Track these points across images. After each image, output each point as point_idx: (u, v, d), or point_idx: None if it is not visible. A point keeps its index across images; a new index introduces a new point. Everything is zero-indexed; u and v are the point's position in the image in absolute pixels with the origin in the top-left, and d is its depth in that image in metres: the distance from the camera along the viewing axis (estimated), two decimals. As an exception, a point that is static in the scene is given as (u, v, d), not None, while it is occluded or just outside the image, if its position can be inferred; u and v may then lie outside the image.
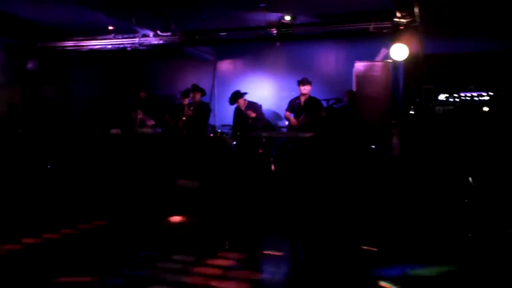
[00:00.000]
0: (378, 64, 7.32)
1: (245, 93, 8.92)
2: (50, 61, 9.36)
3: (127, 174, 8.18)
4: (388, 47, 7.68)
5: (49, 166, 8.94)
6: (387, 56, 7.50)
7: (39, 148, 8.93)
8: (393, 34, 7.20)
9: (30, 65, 8.95)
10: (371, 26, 7.31)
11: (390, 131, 7.26)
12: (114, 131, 8.98)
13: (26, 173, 8.40)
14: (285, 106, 8.78)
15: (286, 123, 8.95)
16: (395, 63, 7.36)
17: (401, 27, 6.93)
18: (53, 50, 9.17)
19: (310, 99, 8.39)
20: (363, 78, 7.35)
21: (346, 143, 7.56)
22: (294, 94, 8.72)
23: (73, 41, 9.02)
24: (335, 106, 8.14)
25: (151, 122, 9.27)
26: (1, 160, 8.37)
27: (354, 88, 8.90)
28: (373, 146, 7.30)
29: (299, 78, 8.55)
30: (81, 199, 7.17)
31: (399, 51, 7.04)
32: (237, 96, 8.83)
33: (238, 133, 8.55)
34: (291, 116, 8.58)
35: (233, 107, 9.18)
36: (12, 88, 9.79)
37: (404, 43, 7.06)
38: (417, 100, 7.66)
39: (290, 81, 9.60)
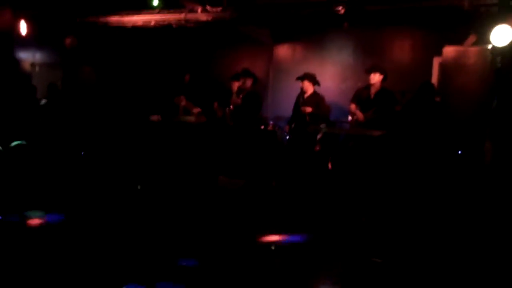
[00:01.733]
0: (473, 49, 5.84)
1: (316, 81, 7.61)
2: (90, 38, 8.51)
3: (165, 166, 7.29)
4: (478, 33, 6.21)
5: (82, 153, 8.15)
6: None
7: (74, 133, 8.13)
8: (494, 14, 5.64)
9: (67, 42, 8.13)
10: (466, 2, 5.77)
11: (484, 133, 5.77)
12: (154, 117, 8.07)
13: (60, 161, 7.59)
14: (348, 97, 7.45)
15: (350, 118, 7.56)
16: (495, 50, 5.80)
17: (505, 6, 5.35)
18: (93, 26, 8.30)
19: (382, 91, 6.93)
20: (452, 66, 5.97)
21: (426, 147, 6.18)
22: (361, 85, 7.36)
23: (114, 17, 8.11)
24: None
25: (196, 110, 8.22)
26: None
27: (434, 80, 7.69)
28: (460, 152, 5.82)
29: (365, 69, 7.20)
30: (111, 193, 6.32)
31: (503, 34, 5.50)
32: (310, 77, 7.49)
33: (292, 126, 7.32)
34: (357, 109, 7.16)
35: (290, 97, 7.94)
36: (53, 68, 9.16)
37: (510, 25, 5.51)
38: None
39: (356, 70, 8.43)
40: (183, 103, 8.23)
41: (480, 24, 6.18)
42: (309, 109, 7.37)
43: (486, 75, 5.77)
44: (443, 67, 6.13)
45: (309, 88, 7.52)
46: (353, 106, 7.15)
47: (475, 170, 5.76)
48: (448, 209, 5.48)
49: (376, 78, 6.90)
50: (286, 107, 8.13)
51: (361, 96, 7.11)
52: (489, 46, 5.84)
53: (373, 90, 6.98)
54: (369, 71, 6.95)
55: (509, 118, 5.79)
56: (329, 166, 7.31)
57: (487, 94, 5.78)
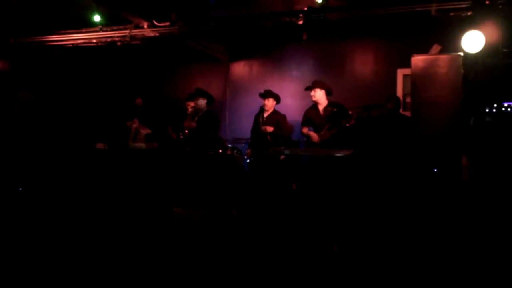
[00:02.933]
0: (444, 58, 5.37)
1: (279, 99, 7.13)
2: (27, 60, 7.68)
3: (113, 200, 6.48)
4: (445, 41, 5.84)
5: (20, 189, 7.24)
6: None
7: (10, 166, 7.23)
8: (464, 19, 5.22)
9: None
10: (433, 8, 5.32)
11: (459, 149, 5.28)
12: (100, 145, 7.28)
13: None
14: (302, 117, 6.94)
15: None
16: (467, 57, 5.36)
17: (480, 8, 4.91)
18: (29, 46, 7.47)
19: (331, 106, 6.52)
20: (422, 77, 5.45)
21: (397, 165, 5.71)
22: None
23: (52, 36, 7.34)
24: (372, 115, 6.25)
25: (146, 131, 7.51)
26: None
27: (399, 93, 7.45)
28: (435, 169, 5.32)
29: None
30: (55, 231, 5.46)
31: (474, 40, 5.06)
32: (274, 95, 7.06)
33: (246, 151, 6.77)
34: (311, 131, 6.70)
35: (249, 117, 7.39)
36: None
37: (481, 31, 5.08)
38: (489, 108, 5.69)
39: None
40: (135, 125, 7.53)
41: (448, 31, 5.77)
42: (270, 129, 6.83)
43: (459, 84, 5.30)
44: (412, 78, 5.64)
45: (271, 106, 7.00)
46: (304, 130, 6.74)
47: (452, 189, 5.25)
48: (425, 231, 4.93)
49: (318, 94, 6.53)
50: (245, 128, 7.60)
51: (311, 116, 6.70)
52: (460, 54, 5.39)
53: (320, 107, 6.59)
54: (309, 88, 6.62)
55: (485, 131, 5.35)
56: (293, 187, 6.84)
57: (460, 105, 5.30)
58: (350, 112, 6.27)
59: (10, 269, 4.22)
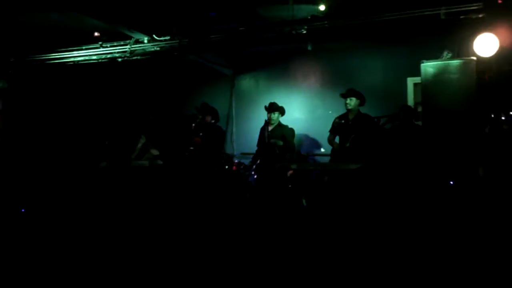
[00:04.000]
0: (456, 63, 5.09)
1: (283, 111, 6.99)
2: (27, 79, 7.60)
3: (115, 220, 6.26)
4: (453, 47, 5.68)
5: (23, 210, 7.09)
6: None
7: (15, 187, 7.11)
8: (475, 23, 4.97)
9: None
10: (442, 11, 5.09)
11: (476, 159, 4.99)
12: (103, 164, 7.10)
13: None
14: (321, 128, 6.96)
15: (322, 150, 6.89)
16: (480, 62, 5.09)
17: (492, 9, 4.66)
18: (29, 65, 7.37)
19: (361, 117, 6.44)
20: (433, 84, 5.19)
21: (412, 179, 5.46)
22: (332, 113, 6.67)
23: (52, 54, 7.22)
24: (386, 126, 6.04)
25: (155, 152, 7.31)
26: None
27: (410, 103, 7.33)
28: (451, 182, 5.03)
29: (338, 94, 6.67)
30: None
31: (488, 44, 4.81)
32: (277, 108, 6.95)
33: (255, 165, 6.57)
34: (336, 140, 6.68)
35: (256, 131, 7.28)
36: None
37: (494, 33, 4.83)
38: (506, 115, 5.40)
39: (326, 98, 7.80)
40: (142, 141, 7.37)
41: (459, 35, 5.52)
42: (280, 142, 6.65)
43: (473, 91, 5.02)
44: (422, 85, 5.35)
45: (276, 119, 6.88)
46: (330, 137, 6.74)
47: (470, 203, 4.94)
48: (442, 246, 4.63)
49: (352, 103, 6.43)
50: (252, 142, 7.43)
51: (338, 125, 6.61)
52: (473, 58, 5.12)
53: (350, 116, 6.49)
54: (345, 95, 6.48)
55: (502, 139, 5.06)
56: (304, 204, 6.56)
57: (476, 113, 5.01)
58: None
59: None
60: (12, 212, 6.94)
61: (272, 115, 6.80)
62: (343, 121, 6.53)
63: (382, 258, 4.67)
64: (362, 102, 6.50)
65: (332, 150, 6.65)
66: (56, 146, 8.00)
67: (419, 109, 6.24)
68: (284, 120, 7.11)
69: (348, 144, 6.27)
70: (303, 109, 8.35)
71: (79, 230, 6.05)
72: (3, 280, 4.35)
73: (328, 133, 6.80)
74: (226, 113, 8.90)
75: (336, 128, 6.64)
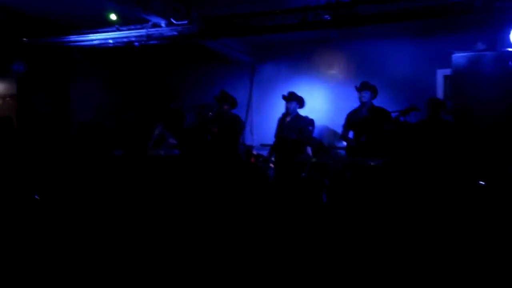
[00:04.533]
0: (490, 54, 4.81)
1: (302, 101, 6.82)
2: (45, 62, 7.53)
3: (128, 211, 6.19)
4: (487, 37, 5.50)
5: (36, 196, 7.06)
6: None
7: (29, 173, 7.08)
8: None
9: (15, 68, 7.14)
10: (478, -2, 4.78)
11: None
12: (118, 152, 7.04)
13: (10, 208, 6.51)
14: (342, 120, 6.75)
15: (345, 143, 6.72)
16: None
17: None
18: (46, 47, 7.32)
19: (375, 111, 6.32)
20: (465, 77, 4.92)
21: (440, 178, 5.20)
22: (355, 105, 6.48)
23: (66, 36, 7.17)
24: (407, 119, 5.81)
25: (172, 141, 7.19)
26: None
27: (440, 96, 6.99)
28: (483, 183, 4.77)
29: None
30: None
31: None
32: (295, 97, 6.77)
33: (272, 158, 6.39)
34: (350, 135, 6.55)
35: (276, 121, 7.04)
36: (6, 99, 8.09)
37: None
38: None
39: (350, 88, 7.44)
40: (157, 131, 7.25)
41: (495, 24, 5.22)
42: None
43: (509, 84, 4.74)
44: (453, 78, 5.10)
45: (294, 110, 6.66)
46: (344, 133, 6.64)
47: (503, 206, 4.68)
48: (470, 250, 4.40)
49: (367, 96, 6.34)
50: (273, 133, 7.18)
51: (352, 119, 6.51)
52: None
53: (364, 110, 6.39)
54: (361, 88, 6.38)
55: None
56: (324, 199, 6.42)
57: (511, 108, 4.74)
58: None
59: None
60: (25, 198, 6.94)
61: (289, 105, 6.61)
62: (356, 115, 6.44)
63: (405, 260, 4.48)
64: (375, 95, 6.41)
65: (348, 146, 6.56)
66: (70, 132, 7.98)
67: (449, 103, 6.00)
68: (306, 111, 6.92)
69: (363, 139, 6.15)
70: (326, 100, 8.13)
71: (91, 222, 6.00)
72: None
73: (341, 129, 6.67)
74: (246, 102, 8.75)
75: (350, 123, 6.55)
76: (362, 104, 6.38)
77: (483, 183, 4.76)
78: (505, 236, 4.51)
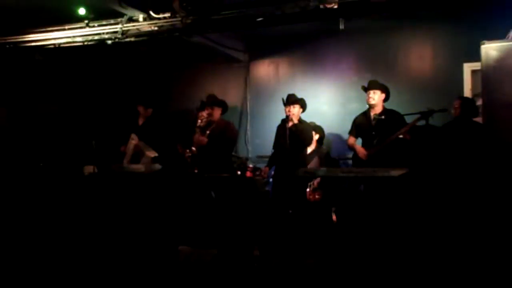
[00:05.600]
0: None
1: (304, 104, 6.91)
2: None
3: (102, 236, 6.28)
4: None
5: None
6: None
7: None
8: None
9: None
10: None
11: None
12: (89, 168, 7.09)
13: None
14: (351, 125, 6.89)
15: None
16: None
17: None
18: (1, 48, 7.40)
19: (386, 114, 6.43)
20: (496, 70, 5.02)
21: (469, 187, 5.32)
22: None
23: (29, 35, 7.22)
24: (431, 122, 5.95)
25: (152, 153, 7.24)
26: None
27: (467, 93, 7.14)
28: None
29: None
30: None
31: None
32: (297, 100, 6.84)
33: (271, 173, 6.55)
34: (357, 143, 6.69)
35: (275, 130, 7.17)
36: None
37: None
38: None
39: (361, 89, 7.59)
40: (134, 142, 7.29)
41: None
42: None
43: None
44: (483, 72, 5.19)
45: (297, 114, 6.77)
46: (351, 140, 6.74)
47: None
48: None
49: (376, 97, 6.44)
50: (271, 143, 7.27)
51: (360, 125, 6.65)
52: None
53: (373, 114, 6.49)
54: (367, 88, 6.51)
55: None
56: (334, 219, 6.54)
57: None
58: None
59: None
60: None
61: (292, 109, 6.69)
62: (365, 119, 6.55)
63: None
64: (387, 97, 6.50)
65: (354, 155, 6.66)
66: (32, 145, 8.04)
67: (479, 101, 6.11)
68: (310, 116, 7.06)
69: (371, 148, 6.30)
70: (333, 103, 8.31)
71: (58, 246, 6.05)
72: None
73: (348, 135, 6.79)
74: (240, 107, 8.91)
75: (357, 128, 6.67)
76: (371, 106, 6.48)
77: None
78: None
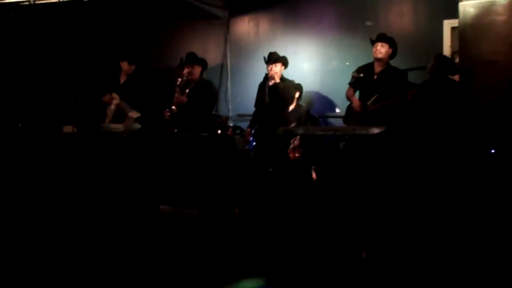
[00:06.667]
0: (503, 1, 4.94)
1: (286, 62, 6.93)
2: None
3: (83, 196, 6.33)
4: None
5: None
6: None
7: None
8: None
9: None
10: None
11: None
12: (67, 128, 7.07)
13: None
14: (336, 83, 6.99)
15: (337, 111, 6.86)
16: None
17: None
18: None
19: (389, 71, 6.37)
20: (474, 28, 5.07)
21: (447, 146, 5.42)
22: (349, 65, 6.61)
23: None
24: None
25: (134, 114, 7.22)
26: None
27: (446, 52, 7.17)
28: (493, 150, 4.99)
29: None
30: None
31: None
32: (279, 58, 6.88)
33: (252, 131, 6.56)
34: (355, 96, 6.62)
35: (256, 88, 7.24)
36: None
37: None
38: None
39: (342, 46, 7.68)
40: (115, 101, 7.27)
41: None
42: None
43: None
44: (460, 30, 5.25)
45: (279, 73, 6.77)
46: (350, 92, 6.64)
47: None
48: (479, 228, 4.63)
49: (383, 51, 6.32)
50: (252, 101, 7.34)
51: (362, 77, 6.48)
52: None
53: (377, 69, 6.39)
54: (376, 40, 6.38)
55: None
56: (314, 177, 6.62)
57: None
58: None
59: None
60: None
61: (274, 68, 6.71)
62: (364, 75, 6.43)
63: (410, 244, 4.69)
64: (394, 53, 6.41)
65: (348, 109, 6.63)
66: (9, 105, 8.01)
67: (457, 59, 6.18)
68: (290, 74, 7.04)
69: (369, 103, 6.27)
70: (314, 61, 8.26)
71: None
72: None
73: (348, 86, 6.69)
74: (220, 65, 8.82)
75: (358, 81, 6.57)
76: (377, 60, 6.36)
77: (493, 151, 4.98)
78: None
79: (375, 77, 6.36)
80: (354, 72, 6.58)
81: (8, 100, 8.04)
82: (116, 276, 4.32)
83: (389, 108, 6.12)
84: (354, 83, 6.59)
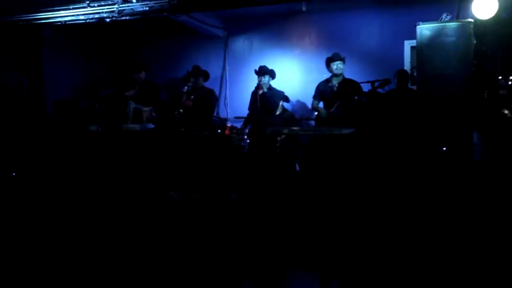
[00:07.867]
0: (452, 25, 4.94)
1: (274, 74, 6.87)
2: (13, 40, 7.41)
3: (108, 184, 6.29)
4: (451, 9, 5.76)
5: (14, 174, 7.04)
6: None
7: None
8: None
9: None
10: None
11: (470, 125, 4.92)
12: (93, 127, 6.99)
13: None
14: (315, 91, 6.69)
15: (316, 113, 6.82)
16: (478, 25, 4.93)
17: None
18: (14, 25, 7.16)
19: (346, 82, 6.36)
20: (428, 47, 5.06)
21: (405, 144, 5.43)
22: (326, 77, 6.56)
23: (39, 14, 6.99)
24: (380, 90, 5.92)
25: (148, 108, 7.10)
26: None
27: (407, 67, 7.16)
28: (444, 148, 4.97)
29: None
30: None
31: (486, 6, 4.65)
32: (267, 71, 6.82)
33: (246, 131, 6.53)
34: (321, 106, 6.62)
35: (249, 94, 7.17)
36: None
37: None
38: (504, 80, 5.30)
39: (321, 60, 7.52)
40: (133, 106, 7.20)
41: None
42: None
43: (470, 55, 4.90)
44: (418, 48, 5.23)
45: (267, 83, 6.76)
46: (315, 103, 6.67)
47: (463, 169, 4.90)
48: (433, 213, 4.62)
49: (341, 67, 6.34)
50: (246, 106, 7.28)
51: (323, 91, 6.53)
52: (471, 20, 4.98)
53: (335, 81, 6.39)
54: (335, 59, 6.34)
55: (499, 105, 4.97)
56: (297, 169, 6.70)
57: (472, 77, 4.90)
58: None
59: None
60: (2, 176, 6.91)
61: (263, 79, 6.69)
62: (328, 86, 6.42)
63: (376, 226, 4.67)
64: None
65: (317, 116, 6.63)
66: (45, 110, 7.90)
67: (415, 73, 6.16)
68: (278, 83, 6.98)
69: (333, 110, 6.24)
70: (297, 72, 8.21)
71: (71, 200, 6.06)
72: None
73: (311, 100, 6.72)
74: (220, 76, 8.77)
75: (321, 94, 6.56)
76: (334, 75, 6.37)
77: (444, 148, 4.96)
78: (465, 195, 4.74)
79: (335, 89, 6.33)
80: (319, 84, 6.59)
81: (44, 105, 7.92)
82: (131, 251, 4.30)
83: (349, 112, 6.10)
84: (317, 95, 6.57)
